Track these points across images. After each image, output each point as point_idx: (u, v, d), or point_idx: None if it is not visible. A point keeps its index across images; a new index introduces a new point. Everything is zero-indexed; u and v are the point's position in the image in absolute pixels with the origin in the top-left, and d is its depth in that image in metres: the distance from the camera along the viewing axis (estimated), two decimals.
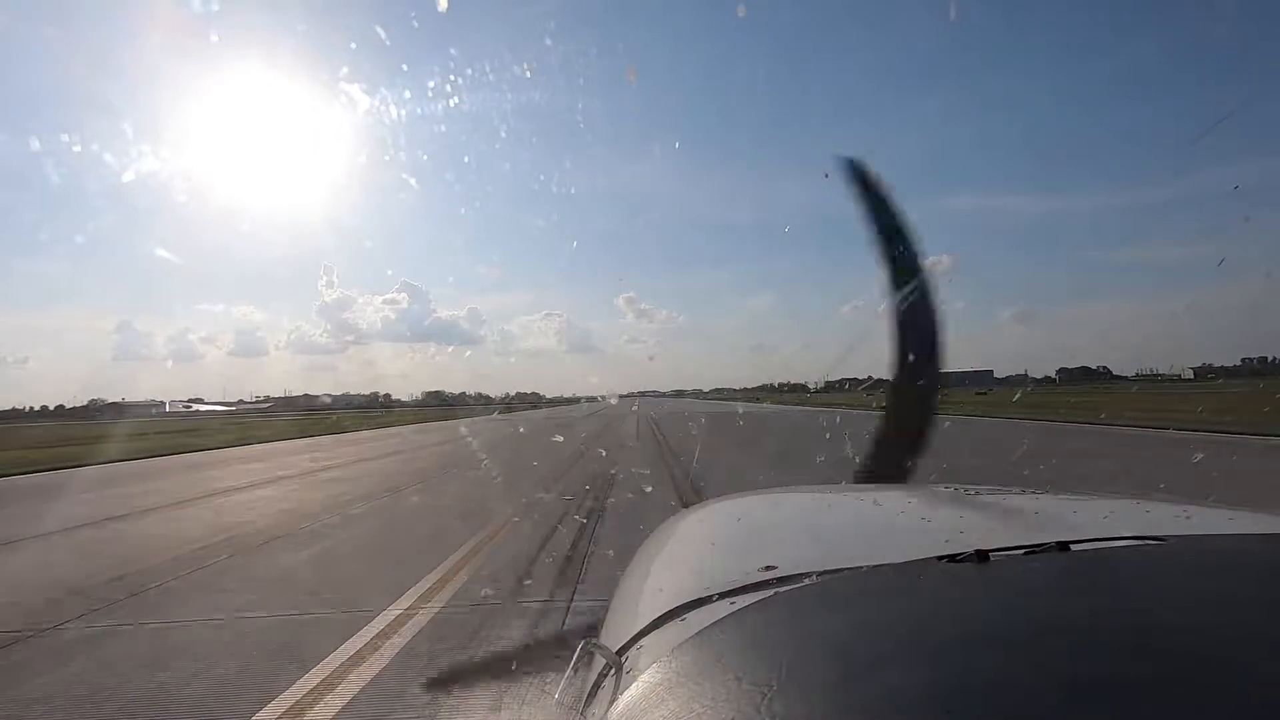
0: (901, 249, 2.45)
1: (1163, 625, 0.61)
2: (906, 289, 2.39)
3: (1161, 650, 0.55)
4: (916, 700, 0.50)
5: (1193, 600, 0.68)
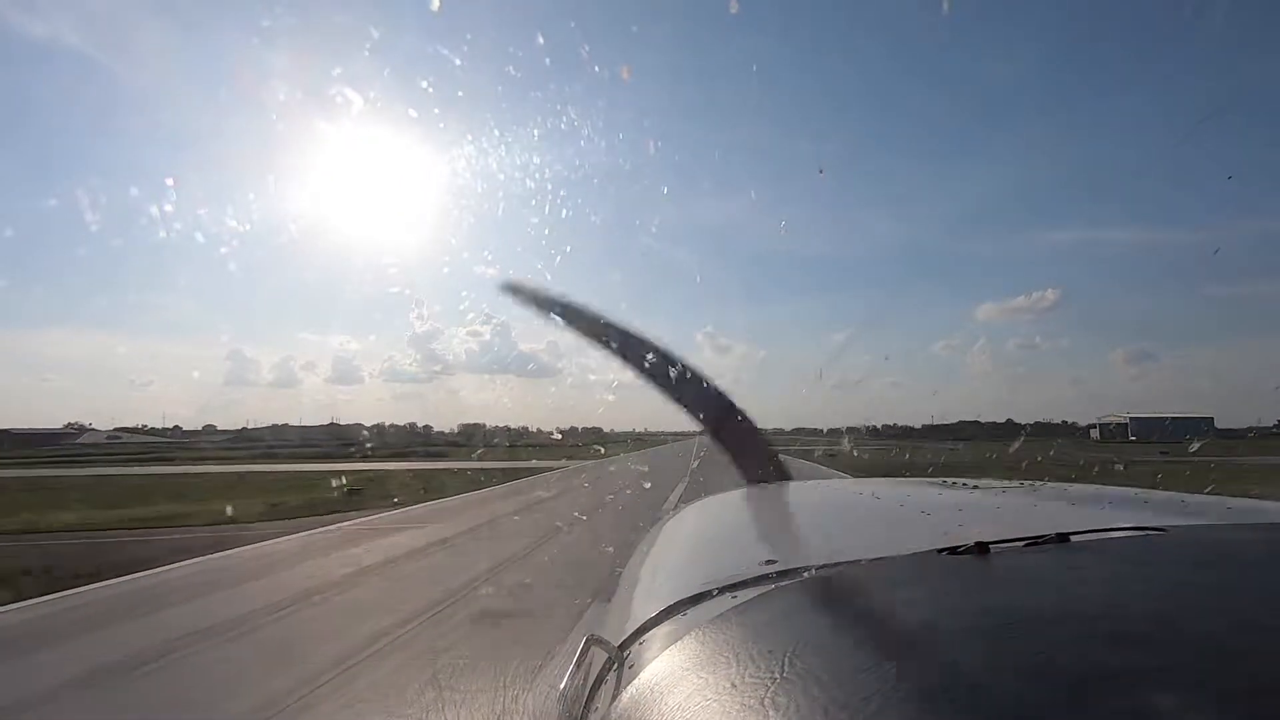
0: (611, 337, 2.40)
1: (1163, 615, 0.61)
2: (648, 363, 2.36)
3: (1162, 640, 0.55)
4: (918, 692, 0.50)
5: (1193, 589, 0.68)
